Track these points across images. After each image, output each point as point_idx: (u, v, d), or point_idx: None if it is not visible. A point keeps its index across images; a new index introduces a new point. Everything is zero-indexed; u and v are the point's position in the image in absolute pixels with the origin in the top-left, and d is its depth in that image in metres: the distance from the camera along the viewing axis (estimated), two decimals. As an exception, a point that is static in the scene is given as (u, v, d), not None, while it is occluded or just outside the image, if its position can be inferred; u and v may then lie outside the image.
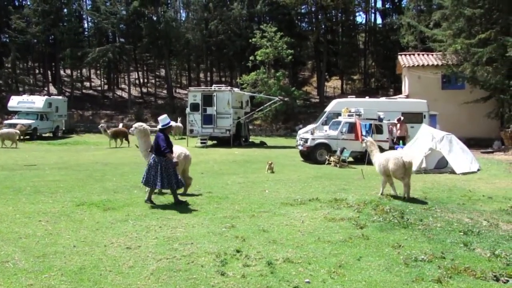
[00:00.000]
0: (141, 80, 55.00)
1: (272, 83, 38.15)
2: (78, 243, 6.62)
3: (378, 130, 18.91)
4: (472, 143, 23.80)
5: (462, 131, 23.26)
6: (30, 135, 30.50)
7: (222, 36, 45.50)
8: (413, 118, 21.63)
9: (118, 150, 23.56)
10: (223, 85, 32.86)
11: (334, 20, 51.89)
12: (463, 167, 15.67)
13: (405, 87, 32.29)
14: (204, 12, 47.79)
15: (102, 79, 55.41)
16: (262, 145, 28.96)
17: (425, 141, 16.38)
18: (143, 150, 10.69)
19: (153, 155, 9.48)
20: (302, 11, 52.24)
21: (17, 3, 52.23)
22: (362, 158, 17.19)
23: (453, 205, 9.78)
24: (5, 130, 25.74)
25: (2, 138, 24.48)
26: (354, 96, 27.30)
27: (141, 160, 11.19)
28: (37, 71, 56.04)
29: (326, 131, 19.90)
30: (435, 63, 29.78)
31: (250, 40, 40.27)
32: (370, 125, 18.62)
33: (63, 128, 36.20)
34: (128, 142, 25.56)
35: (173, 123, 32.56)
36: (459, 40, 25.04)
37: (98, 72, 55.55)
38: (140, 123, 11.08)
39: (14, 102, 33.12)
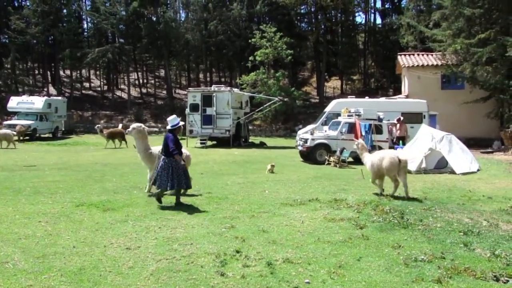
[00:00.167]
0: (141, 81, 55.01)
1: (271, 83, 38.15)
2: (77, 243, 6.61)
3: (378, 130, 18.91)
4: (472, 143, 23.82)
5: (462, 131, 23.28)
6: (30, 135, 30.49)
7: (221, 37, 45.52)
8: (413, 118, 21.64)
9: (118, 151, 23.56)
10: (222, 85, 32.87)
11: (333, 20, 51.94)
12: (463, 167, 15.67)
13: (405, 87, 32.30)
14: (204, 13, 47.81)
15: (102, 80, 55.41)
16: (261, 145, 28.98)
17: (425, 141, 16.39)
18: (141, 151, 10.55)
19: (163, 156, 9.39)
20: (302, 11, 52.33)
21: (16, 4, 52.32)
22: (362, 158, 17.17)
23: (453, 205, 9.77)
24: (1, 131, 25.70)
25: None
26: (353, 96, 27.34)
27: (140, 160, 11.03)
28: (36, 72, 56.05)
29: (325, 131, 19.90)
30: (435, 63, 29.80)
31: (249, 41, 40.29)
32: (370, 125, 18.62)
33: (63, 129, 36.21)
34: (126, 143, 25.57)
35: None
36: (458, 40, 25.05)
37: (98, 72, 55.58)
38: (138, 124, 10.93)
39: (14, 102, 33.12)
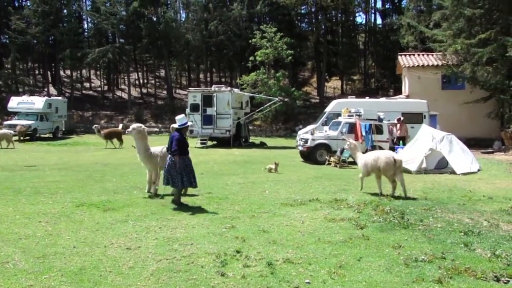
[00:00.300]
0: (141, 81, 55.00)
1: (272, 83, 38.14)
2: (78, 243, 6.61)
3: (378, 130, 18.90)
4: (472, 143, 23.81)
5: (462, 131, 23.27)
6: (30, 136, 30.49)
7: (222, 37, 45.50)
8: (413, 118, 21.62)
9: (118, 151, 23.54)
10: (223, 85, 32.85)
11: (334, 20, 51.91)
12: (464, 167, 15.66)
13: (405, 87, 32.30)
14: (204, 13, 47.81)
15: (102, 80, 55.40)
16: (262, 145, 28.96)
17: (425, 141, 16.38)
18: (141, 152, 10.45)
19: (169, 155, 9.42)
20: (302, 11, 52.27)
21: (17, 4, 52.33)
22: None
23: (454, 206, 9.77)
24: (0, 131, 25.68)
25: None
26: (354, 97, 27.33)
27: (139, 161, 10.92)
28: (37, 72, 56.05)
29: (326, 131, 19.89)
30: (435, 63, 29.80)
31: (250, 41, 40.27)
32: (370, 125, 18.61)
33: (63, 129, 36.20)
34: (122, 142, 25.60)
35: (174, 125, 32.69)
36: (459, 40, 25.04)
37: (98, 72, 55.55)
38: (138, 124, 10.83)
39: (14, 103, 33.11)
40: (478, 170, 16.02)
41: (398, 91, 41.00)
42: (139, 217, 8.26)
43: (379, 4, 55.50)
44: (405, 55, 32.50)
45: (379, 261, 6.01)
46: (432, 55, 30.90)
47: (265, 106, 33.45)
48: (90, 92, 53.64)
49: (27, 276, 5.34)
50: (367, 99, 24.91)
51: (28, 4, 48.23)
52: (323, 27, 49.19)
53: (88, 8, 54.63)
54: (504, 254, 6.25)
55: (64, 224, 7.72)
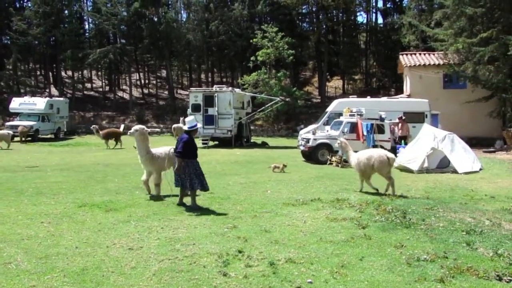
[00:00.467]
0: (142, 81, 55.03)
1: (273, 83, 38.12)
2: (80, 244, 6.62)
3: (380, 130, 18.88)
4: (474, 142, 23.80)
5: (464, 131, 23.24)
6: (32, 136, 30.53)
7: (223, 37, 45.49)
8: (415, 117, 21.62)
9: (119, 151, 23.56)
10: (224, 85, 32.83)
11: (335, 20, 51.85)
12: (465, 166, 15.65)
13: (407, 86, 32.28)
14: (205, 13, 47.81)
15: (103, 80, 55.44)
16: (263, 145, 28.96)
17: (427, 140, 16.37)
18: (143, 154, 10.30)
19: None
20: (303, 11, 52.19)
21: (18, 5, 52.30)
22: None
23: (456, 205, 9.76)
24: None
25: None
26: (355, 96, 27.29)
27: (140, 163, 10.73)
28: (38, 73, 56.11)
29: (327, 131, 19.88)
30: (437, 62, 29.76)
31: (251, 41, 40.23)
32: (372, 125, 18.59)
33: (65, 130, 36.22)
34: (120, 143, 25.66)
35: (175, 125, 32.61)
36: (460, 39, 25.01)
37: (99, 73, 55.57)
38: (141, 126, 10.71)
39: (16, 103, 33.17)
40: (480, 169, 16.01)
41: (399, 90, 40.96)
42: (141, 218, 8.27)
43: (380, 3, 55.49)
44: (406, 54, 32.48)
45: (381, 261, 6.01)
46: (434, 54, 30.87)
47: (266, 106, 33.44)
48: (92, 93, 53.68)
49: (30, 277, 5.35)
50: (368, 99, 24.89)
51: (29, 5, 48.28)
52: (324, 26, 49.15)
53: (89, 9, 54.68)
54: (506, 253, 6.24)
55: (66, 225, 7.73)
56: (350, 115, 19.45)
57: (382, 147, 17.60)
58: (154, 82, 56.93)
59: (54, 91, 48.52)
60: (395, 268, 5.75)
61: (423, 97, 24.05)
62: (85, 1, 57.34)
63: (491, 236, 7.17)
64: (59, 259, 5.97)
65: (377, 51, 52.52)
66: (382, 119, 19.19)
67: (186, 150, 9.09)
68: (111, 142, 25.92)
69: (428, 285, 5.24)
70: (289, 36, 39.88)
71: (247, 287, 5.15)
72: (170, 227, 7.61)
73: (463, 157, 16.04)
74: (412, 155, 16.31)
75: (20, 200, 9.76)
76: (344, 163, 17.47)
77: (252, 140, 30.71)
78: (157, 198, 10.14)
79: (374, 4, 55.22)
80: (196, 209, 8.96)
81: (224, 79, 54.27)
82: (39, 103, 32.72)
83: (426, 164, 15.69)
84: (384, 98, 27.38)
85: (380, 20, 55.55)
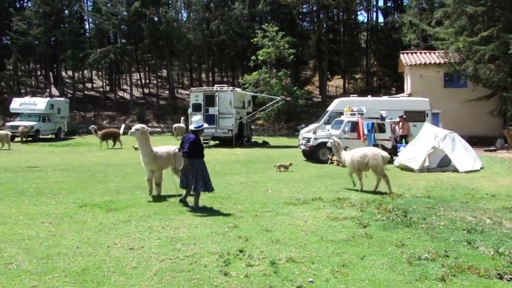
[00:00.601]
0: (143, 81, 55.06)
1: (274, 82, 38.12)
2: (81, 244, 6.62)
3: (381, 129, 18.88)
4: (475, 141, 23.78)
5: (465, 129, 23.20)
6: (32, 137, 30.53)
7: (223, 36, 45.50)
8: (416, 116, 21.60)
9: (120, 151, 23.55)
10: (225, 85, 32.79)
11: (335, 19, 51.84)
12: (466, 165, 15.63)
13: (407, 85, 32.24)
14: (206, 12, 47.80)
15: (104, 80, 55.47)
16: (264, 145, 28.96)
17: (428, 139, 16.36)
18: (147, 153, 10.22)
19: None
20: (304, 10, 52.18)
21: (18, 5, 52.32)
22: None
23: (456, 204, 9.76)
24: None
25: None
26: (356, 95, 27.26)
27: (142, 162, 10.64)
28: (38, 73, 56.14)
29: (328, 130, 19.86)
30: (437, 61, 29.73)
31: (251, 40, 40.23)
32: (373, 124, 18.58)
33: (65, 130, 36.22)
34: (120, 143, 25.67)
35: (176, 124, 32.56)
36: (461, 38, 24.96)
37: (100, 73, 55.60)
38: (141, 125, 10.61)
39: (16, 104, 33.16)
40: (481, 168, 15.99)
41: (400, 89, 40.92)
42: (142, 217, 8.27)
43: (381, 2, 55.61)
44: (407, 53, 32.45)
45: (382, 260, 6.00)
46: (434, 53, 30.83)
47: (267, 105, 33.44)
48: (92, 93, 53.70)
49: (31, 277, 5.35)
50: (369, 98, 24.87)
51: (30, 5, 48.30)
52: (324, 25, 49.16)
53: (89, 9, 54.72)
54: (507, 251, 6.24)
55: (67, 225, 7.73)
56: (351, 114, 19.42)
57: (383, 146, 17.61)
58: (155, 82, 56.97)
59: (54, 91, 48.53)
60: (396, 267, 5.75)
61: (424, 96, 24.02)
62: (85, 1, 57.51)
63: (492, 235, 7.17)
64: (60, 259, 5.97)
65: (378, 50, 52.52)
66: (383, 118, 19.17)
67: (193, 150, 9.02)
68: (110, 142, 25.93)
69: (429, 284, 5.24)
70: (289, 35, 39.88)
71: (248, 286, 5.15)
72: (171, 227, 7.61)
73: (464, 156, 16.02)
74: (413, 154, 16.29)
75: (21, 200, 9.77)
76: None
77: (253, 140, 30.71)
78: (158, 197, 10.14)
79: (374, 3, 55.20)
80: (198, 210, 8.92)
81: (225, 79, 54.24)
82: (40, 103, 32.70)
83: (427, 163, 15.68)
84: (385, 97, 27.30)
85: (381, 19, 55.63)
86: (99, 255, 6.13)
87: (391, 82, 49.28)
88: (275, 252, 6.29)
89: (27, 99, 33.90)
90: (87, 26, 57.67)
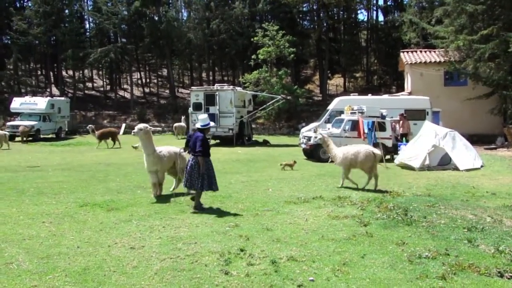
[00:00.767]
0: (143, 80, 55.07)
1: (274, 81, 38.10)
2: (82, 243, 6.63)
3: (381, 127, 18.86)
4: (475, 139, 23.75)
5: (465, 128, 23.18)
6: (33, 136, 30.53)
7: (224, 35, 45.51)
8: (416, 115, 21.59)
9: (120, 151, 23.55)
10: (225, 84, 32.78)
11: (336, 18, 51.85)
12: (467, 163, 15.63)
13: (408, 84, 32.23)
14: (206, 12, 47.80)
15: (104, 80, 55.48)
16: (265, 143, 28.94)
17: (428, 138, 16.35)
18: (150, 153, 10.08)
19: (192, 156, 9.06)
20: (304, 9, 52.12)
21: (18, 5, 52.29)
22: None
23: (457, 202, 9.75)
24: None
25: None
26: (356, 94, 27.23)
27: (145, 162, 10.45)
28: (39, 72, 56.16)
29: (329, 129, 19.85)
30: (438, 59, 29.68)
31: (252, 39, 40.21)
32: (373, 122, 18.56)
33: (66, 129, 36.23)
34: (118, 142, 25.70)
35: (177, 124, 32.52)
36: (461, 37, 24.94)
37: (100, 72, 55.63)
38: (144, 125, 10.52)
39: (17, 103, 33.17)
40: (481, 166, 15.98)
41: (400, 88, 40.91)
42: (143, 217, 8.28)
43: (381, 1, 55.26)
44: (407, 51, 32.43)
45: (383, 258, 6.01)
46: (434, 51, 30.79)
47: (268, 104, 33.44)
48: (93, 92, 53.71)
49: (31, 277, 5.36)
50: (369, 96, 24.84)
51: (30, 4, 48.28)
52: (325, 24, 49.13)
53: (89, 8, 54.65)
54: (508, 249, 6.24)
55: (68, 224, 7.74)
56: (351, 113, 19.42)
57: (383, 144, 17.61)
58: (155, 81, 56.96)
59: (55, 90, 48.54)
60: (397, 265, 5.75)
61: (424, 95, 23.99)
62: (85, 1, 57.43)
63: (492, 233, 7.17)
64: (60, 258, 5.98)
65: (378, 49, 52.51)
66: (383, 117, 19.16)
67: (206, 148, 8.92)
68: (109, 142, 25.94)
69: (430, 282, 5.24)
70: (290, 34, 39.85)
71: (249, 285, 5.16)
72: (172, 226, 7.61)
73: (465, 154, 16.01)
74: (413, 152, 16.29)
75: (21, 200, 9.78)
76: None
77: (253, 139, 30.70)
78: (159, 197, 10.15)
79: (374, 1, 55.10)
80: (199, 209, 8.90)
81: (225, 78, 54.24)
82: (40, 103, 32.70)
83: (427, 162, 15.67)
84: (385, 96, 27.27)
85: (381, 17, 55.65)
86: (99, 255, 6.13)
87: (391, 81, 49.29)
88: (276, 251, 6.30)
89: (28, 98, 33.90)
90: (87, 26, 57.75)
